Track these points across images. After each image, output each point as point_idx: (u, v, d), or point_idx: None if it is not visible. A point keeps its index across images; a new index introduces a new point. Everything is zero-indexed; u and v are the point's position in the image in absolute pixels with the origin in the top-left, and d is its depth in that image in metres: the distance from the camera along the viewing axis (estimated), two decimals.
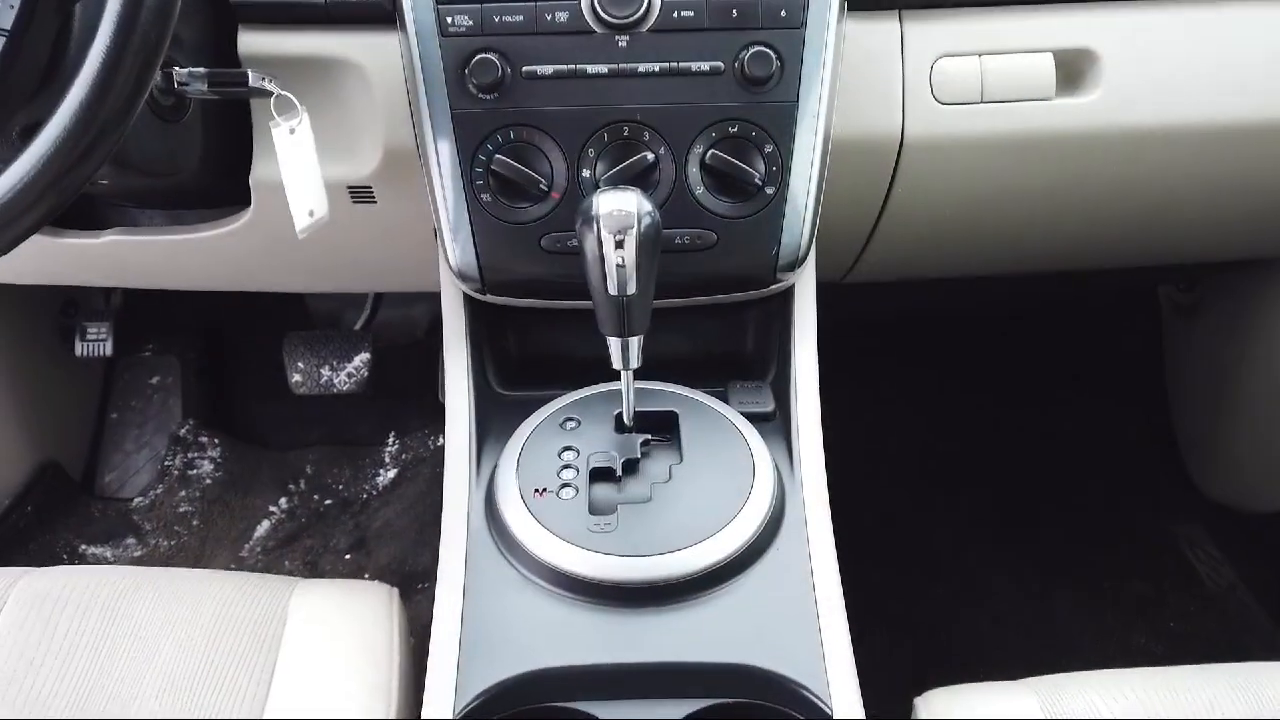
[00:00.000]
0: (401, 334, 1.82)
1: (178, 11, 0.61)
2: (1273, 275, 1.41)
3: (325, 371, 1.59)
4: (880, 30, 0.91)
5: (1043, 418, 1.77)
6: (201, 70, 0.81)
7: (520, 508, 0.78)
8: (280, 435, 1.77)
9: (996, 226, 1.09)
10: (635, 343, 0.78)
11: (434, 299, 1.01)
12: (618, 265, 0.73)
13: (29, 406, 1.53)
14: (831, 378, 0.95)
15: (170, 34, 0.61)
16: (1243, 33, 0.93)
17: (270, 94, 0.84)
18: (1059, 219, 1.08)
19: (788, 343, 0.93)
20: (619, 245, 0.72)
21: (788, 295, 0.94)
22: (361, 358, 1.62)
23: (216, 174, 0.96)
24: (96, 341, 1.49)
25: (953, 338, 1.84)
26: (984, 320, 1.82)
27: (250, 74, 0.83)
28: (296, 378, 1.59)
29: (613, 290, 0.74)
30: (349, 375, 1.61)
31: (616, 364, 0.79)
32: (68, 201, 0.61)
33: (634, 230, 0.72)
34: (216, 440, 1.69)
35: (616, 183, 0.84)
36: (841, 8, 0.85)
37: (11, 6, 0.61)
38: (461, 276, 0.89)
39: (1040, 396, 1.81)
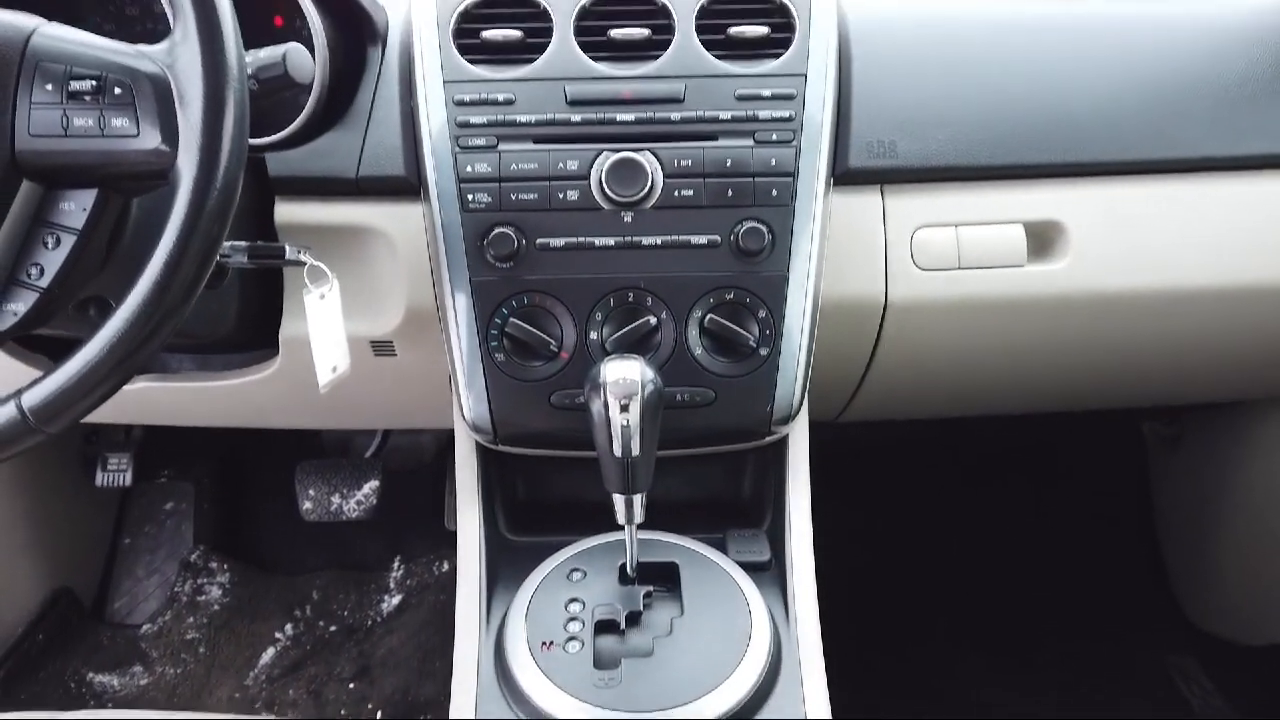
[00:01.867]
0: (410, 459, 1.87)
1: (235, 209, 0.68)
2: (1250, 412, 1.47)
3: (335, 499, 1.64)
4: (863, 203, 0.99)
5: (1035, 546, 1.81)
6: (243, 244, 0.88)
7: (529, 662, 0.82)
8: (288, 560, 1.80)
9: (978, 377, 1.16)
10: (638, 500, 0.83)
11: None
12: (622, 427, 0.79)
13: (46, 535, 1.57)
14: (826, 498, 1.00)
15: (227, 228, 0.68)
16: (1204, 205, 1.01)
17: (304, 264, 0.92)
18: (1037, 371, 1.15)
19: (783, 492, 0.99)
20: (624, 409, 0.79)
21: (782, 444, 1.00)
22: (371, 485, 1.67)
23: (249, 330, 1.02)
24: (117, 472, 1.54)
25: (946, 467, 1.89)
26: (975, 451, 1.87)
27: (287, 248, 0.90)
28: (307, 505, 1.63)
29: (618, 452, 0.80)
30: (358, 503, 1.65)
31: (621, 519, 0.84)
32: (129, 380, 0.67)
33: (638, 396, 0.78)
34: (226, 565, 1.72)
35: (622, 345, 0.91)
36: (827, 185, 0.93)
37: (84, 209, 0.68)
38: (475, 429, 0.95)
39: (1033, 526, 1.84)
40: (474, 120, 0.92)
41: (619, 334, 0.91)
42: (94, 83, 0.64)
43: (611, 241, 0.91)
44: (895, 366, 1.09)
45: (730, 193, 0.90)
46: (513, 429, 0.95)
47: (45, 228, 0.68)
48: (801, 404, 0.94)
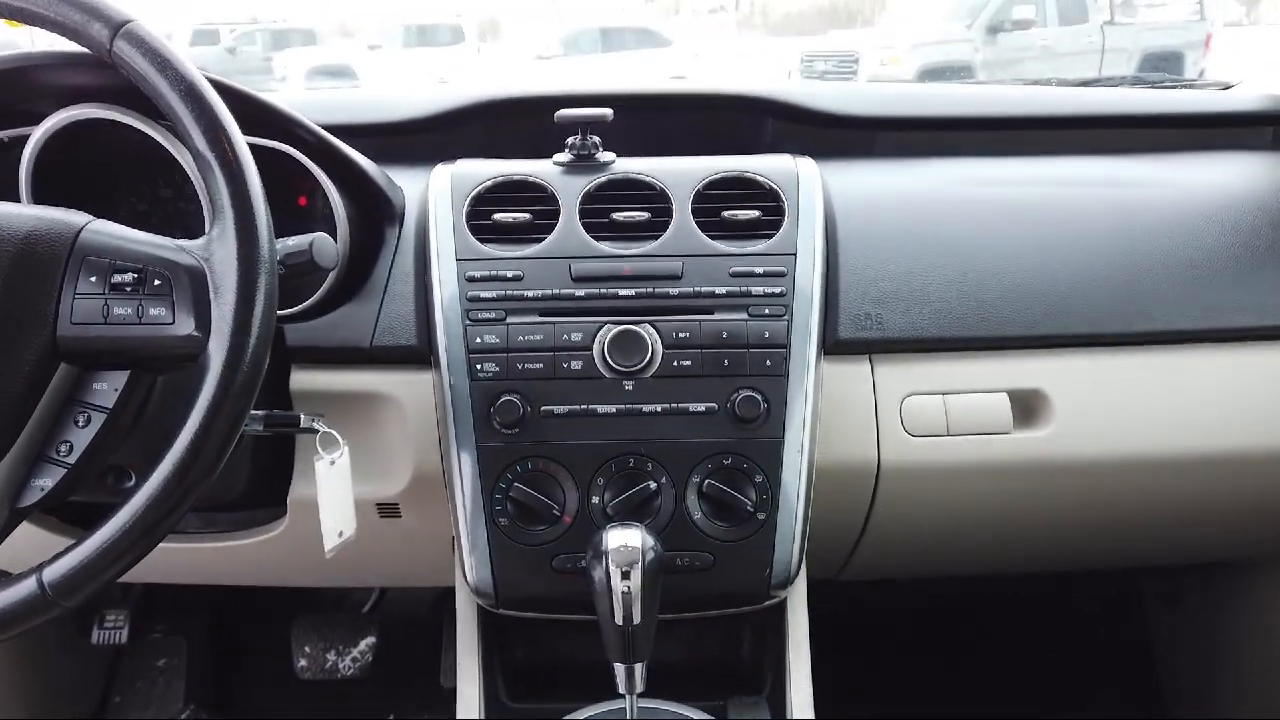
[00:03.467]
0: (405, 612, 1.85)
1: (259, 388, 0.72)
2: (1247, 570, 1.48)
3: (331, 656, 1.62)
4: (854, 372, 1.03)
5: (1040, 706, 1.77)
6: (260, 413, 0.92)
7: None
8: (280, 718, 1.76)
9: (972, 539, 1.18)
10: (639, 669, 0.84)
11: None
12: (623, 594, 0.81)
13: (36, 693, 1.54)
14: (827, 657, 1.00)
15: (251, 405, 0.71)
16: (1182, 374, 1.06)
17: (317, 432, 0.95)
18: (1030, 534, 1.17)
19: (783, 656, 0.99)
20: (625, 577, 0.81)
21: (781, 607, 1.01)
22: (367, 642, 1.65)
23: (257, 491, 1.05)
24: (114, 629, 1.53)
25: (946, 624, 1.87)
26: (975, 612, 1.86)
27: (302, 416, 0.94)
28: (303, 663, 1.61)
29: (619, 619, 0.81)
30: (354, 660, 1.63)
31: (621, 688, 0.85)
32: (149, 552, 0.69)
33: (639, 565, 0.80)
34: None
35: (623, 510, 0.93)
36: (818, 355, 0.98)
37: (115, 390, 0.72)
38: (478, 592, 0.97)
39: (1037, 685, 1.81)
40: (484, 295, 0.97)
41: (620, 499, 0.93)
42: (135, 275, 0.69)
43: (613, 409, 0.95)
44: (891, 528, 1.11)
45: (726, 363, 0.95)
46: (515, 592, 0.96)
47: (77, 406, 0.72)
48: (800, 567, 0.96)
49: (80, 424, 0.72)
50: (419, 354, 1.01)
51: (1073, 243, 1.07)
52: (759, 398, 0.94)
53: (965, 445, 1.03)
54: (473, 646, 1.01)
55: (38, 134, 0.96)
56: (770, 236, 1.00)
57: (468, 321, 0.97)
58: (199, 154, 0.70)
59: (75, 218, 0.72)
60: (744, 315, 0.96)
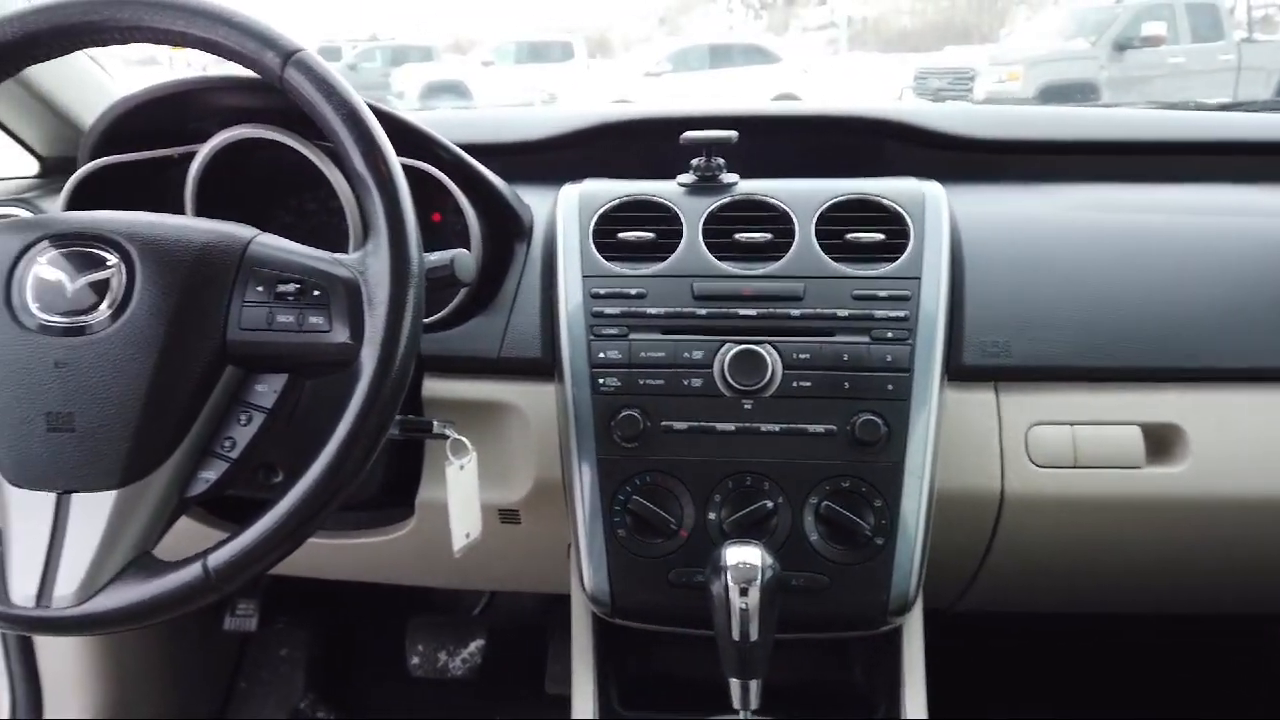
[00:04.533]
0: (514, 619, 1.90)
1: (404, 394, 0.76)
2: None
3: (442, 656, 1.68)
4: (978, 399, 1.02)
5: None
6: (397, 418, 0.97)
7: None
8: (391, 715, 1.83)
9: (1096, 575, 1.14)
10: (755, 686, 0.84)
11: None
12: (741, 610, 0.82)
13: (170, 674, 1.64)
14: (942, 687, 0.98)
15: (397, 411, 0.75)
16: None
17: (448, 438, 0.99)
18: (1158, 573, 1.12)
19: (897, 684, 0.98)
20: (743, 593, 0.82)
21: (896, 634, 1.00)
22: (477, 644, 1.70)
23: (388, 492, 1.10)
24: (245, 617, 1.62)
25: (1065, 661, 1.80)
26: (1098, 646, 1.79)
27: (435, 422, 0.98)
28: (415, 660, 1.67)
29: (735, 635, 0.82)
30: (464, 661, 1.68)
31: (736, 703, 0.86)
32: (300, 545, 0.74)
33: (757, 582, 0.81)
34: (332, 717, 1.76)
35: (739, 528, 0.94)
36: (942, 381, 0.97)
37: (275, 391, 0.77)
38: (594, 600, 0.99)
39: None
40: (608, 311, 1.00)
41: (736, 516, 0.94)
42: (297, 285, 0.74)
43: (732, 427, 0.96)
44: (1012, 560, 1.09)
45: (847, 385, 0.95)
46: (630, 602, 0.98)
47: (240, 406, 0.77)
48: (917, 595, 0.95)
49: (242, 422, 0.77)
50: (544, 366, 1.04)
51: (1210, 273, 1.03)
52: (879, 422, 0.94)
53: (1094, 478, 1.00)
54: (588, 653, 1.03)
55: (205, 150, 1.03)
56: (894, 260, 1.00)
57: (591, 336, 1.00)
58: (357, 174, 0.75)
59: (244, 231, 0.77)
60: (866, 338, 0.96)
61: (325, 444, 0.72)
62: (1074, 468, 1.00)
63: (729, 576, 0.82)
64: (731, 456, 0.96)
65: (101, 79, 1.41)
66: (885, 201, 1.03)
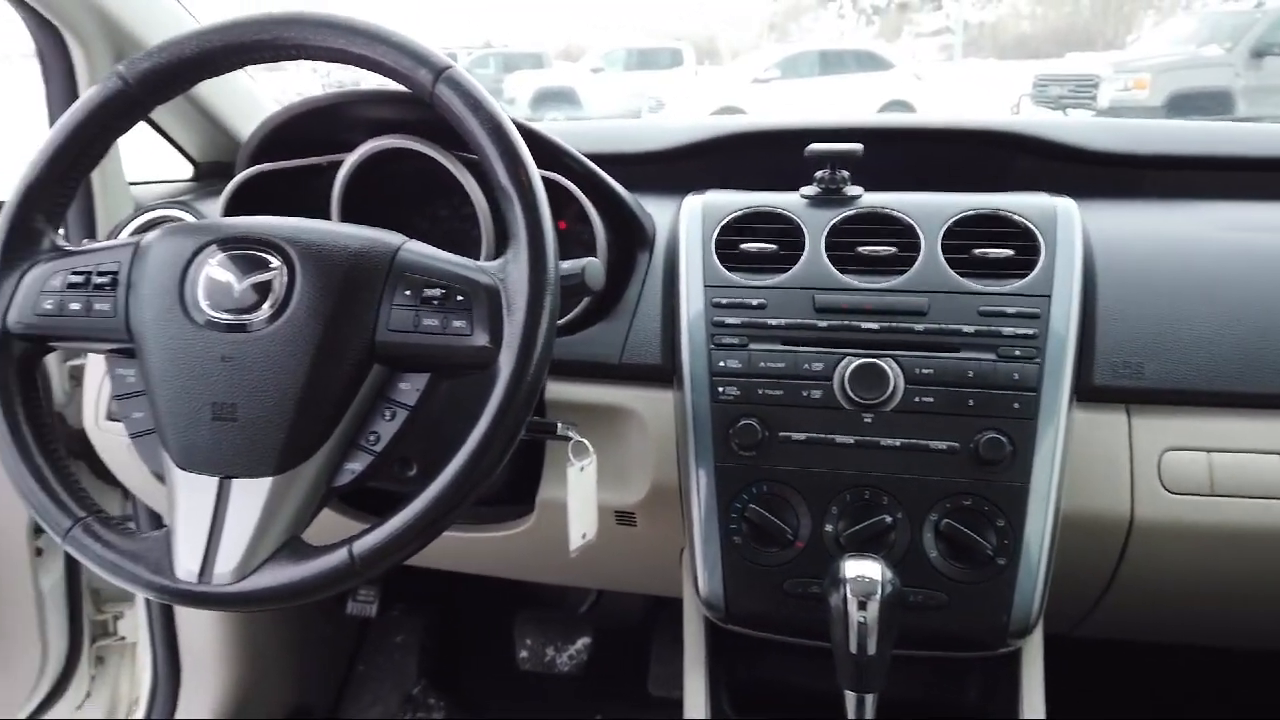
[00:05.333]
0: (619, 618, 1.93)
1: (537, 397, 0.79)
2: None
3: (550, 651, 1.72)
4: (1108, 421, 0.99)
5: None
6: None
7: None
8: (498, 705, 1.88)
9: (1230, 607, 1.09)
10: (870, 700, 0.85)
11: None
12: (860, 623, 0.82)
13: (295, 654, 1.73)
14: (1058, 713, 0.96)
15: (529, 417, 0.79)
16: None
17: (570, 439, 1.02)
18: None
19: (1015, 707, 0.96)
20: (862, 607, 0.82)
21: (1015, 656, 0.98)
22: (583, 641, 1.74)
23: (510, 491, 1.14)
24: (366, 603, 1.69)
25: (1184, 691, 1.73)
26: (1227, 688, 1.71)
27: (559, 424, 1.02)
28: (523, 654, 1.72)
29: (853, 648, 0.83)
30: (570, 658, 1.72)
31: (850, 716, 0.86)
32: (434, 539, 0.78)
33: (877, 596, 0.82)
34: (442, 704, 1.82)
35: (856, 541, 0.94)
36: (1070, 402, 0.95)
37: (417, 390, 0.82)
38: (708, 605, 1.00)
39: None
40: (728, 320, 1.02)
41: (854, 529, 0.94)
42: (442, 290, 0.78)
43: (851, 440, 0.96)
44: (1138, 586, 1.05)
45: (971, 403, 0.94)
46: (744, 609, 0.99)
47: (384, 402, 0.81)
48: (1039, 618, 0.93)
49: (387, 418, 0.81)
50: (663, 373, 1.07)
51: None
52: (1004, 440, 0.92)
53: (1231, 507, 0.96)
54: (700, 657, 1.05)
55: (352, 159, 1.09)
56: (1023, 276, 0.98)
57: (712, 345, 1.01)
58: (500, 186, 0.78)
59: (393, 238, 0.82)
60: (992, 355, 0.95)
61: (460, 442, 0.76)
62: (1210, 495, 0.96)
63: (848, 589, 0.82)
64: (850, 469, 0.96)
65: (252, 89, 1.51)
66: (1016, 217, 1.02)
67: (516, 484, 1.14)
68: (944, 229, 1.02)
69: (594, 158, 1.11)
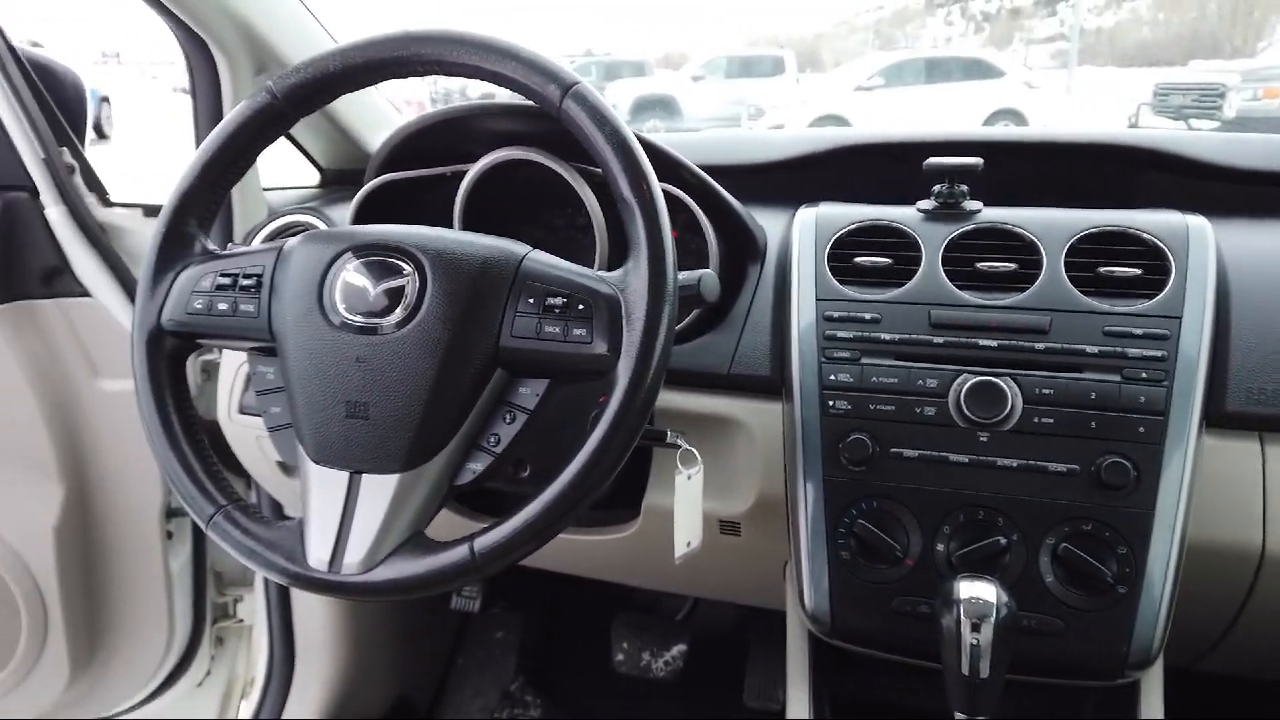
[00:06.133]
0: (714, 627, 1.93)
1: (654, 405, 0.81)
2: None
3: (646, 656, 1.73)
4: (1240, 449, 0.95)
5: None
6: None
7: None
8: (592, 707, 1.91)
9: None
10: None
11: None
12: (972, 646, 0.81)
13: (398, 645, 1.79)
14: None
15: (645, 424, 0.80)
16: None
17: (679, 448, 1.04)
18: None
19: None
20: (975, 629, 0.81)
21: (1133, 689, 0.95)
22: (679, 648, 1.74)
23: (617, 496, 1.16)
24: (469, 599, 1.74)
25: None
26: None
27: (668, 432, 1.03)
28: (620, 657, 1.74)
29: (965, 670, 0.81)
30: (665, 664, 1.73)
31: None
32: (551, 539, 0.80)
33: (991, 618, 0.80)
34: (539, 701, 1.86)
35: (969, 562, 0.93)
36: (1200, 427, 0.91)
37: (536, 394, 0.84)
38: (813, 619, 1.00)
39: None
40: (840, 334, 1.01)
41: (966, 550, 0.93)
42: (564, 299, 0.80)
43: (965, 459, 0.95)
44: (1268, 622, 1.00)
45: (1093, 425, 0.92)
46: (850, 625, 0.98)
47: (505, 406, 0.84)
48: (1160, 650, 0.90)
49: (507, 420, 0.83)
50: (772, 385, 1.07)
51: None
52: (1128, 465, 0.90)
53: None
54: (803, 670, 1.05)
55: (476, 169, 1.13)
56: (1152, 297, 0.95)
57: (823, 359, 1.01)
58: (622, 198, 0.80)
59: (518, 247, 0.84)
60: (1117, 377, 0.92)
61: (571, 445, 0.78)
62: None
63: (961, 610, 0.81)
64: (963, 488, 0.95)
65: (378, 102, 1.57)
66: (1145, 235, 0.99)
67: (622, 489, 1.16)
68: (1068, 246, 1.00)
69: (705, 168, 1.12)
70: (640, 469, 1.15)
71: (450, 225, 1.17)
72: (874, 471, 0.97)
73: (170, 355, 0.90)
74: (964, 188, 1.08)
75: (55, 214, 1.42)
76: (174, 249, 0.90)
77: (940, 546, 0.95)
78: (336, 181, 1.62)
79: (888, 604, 0.96)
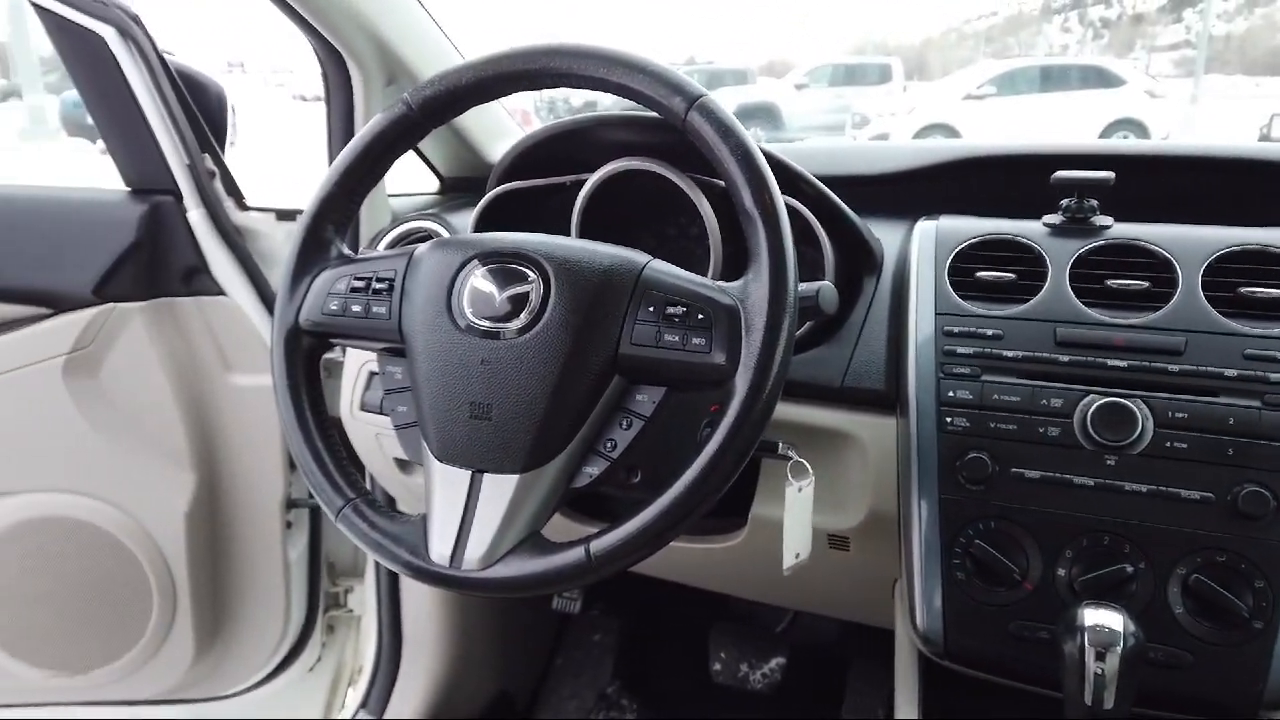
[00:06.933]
0: (814, 641, 1.91)
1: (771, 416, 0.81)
2: None
3: (744, 667, 1.73)
4: None
5: None
6: None
7: None
8: (687, 715, 1.91)
9: None
10: None
11: None
12: (1096, 675, 0.78)
13: (503, 641, 1.83)
14: None
15: (761, 435, 0.80)
16: None
17: (790, 459, 1.03)
18: None
19: None
20: (1100, 658, 0.78)
21: None
22: (778, 660, 1.73)
23: (724, 505, 1.16)
24: (570, 600, 1.77)
25: None
26: None
27: (780, 443, 1.03)
28: (717, 666, 1.74)
29: (1088, 700, 0.79)
30: (763, 675, 1.72)
31: None
32: (664, 545, 0.81)
33: (1118, 648, 0.77)
34: (635, 705, 1.87)
35: (1092, 588, 0.90)
36: None
37: (653, 401, 0.85)
38: (925, 639, 0.98)
39: None
40: (960, 350, 0.99)
41: (1090, 576, 0.90)
42: (684, 309, 0.81)
43: (1090, 482, 0.92)
44: None
45: (1230, 452, 0.88)
46: (963, 647, 0.96)
47: (622, 412, 0.85)
48: None
49: (623, 426, 0.85)
50: (885, 399, 1.05)
51: None
52: (1267, 495, 0.85)
53: None
54: (912, 691, 1.03)
55: (595, 178, 1.15)
56: None
57: (941, 374, 0.99)
58: (745, 209, 0.80)
59: (639, 256, 0.86)
60: (1257, 403, 0.88)
61: (681, 453, 0.78)
62: None
63: (1086, 638, 0.79)
64: (1088, 512, 0.92)
65: (499, 112, 1.62)
66: None
67: (728, 499, 1.16)
68: (1205, 264, 0.96)
69: (819, 179, 1.11)
70: (748, 479, 1.15)
71: (566, 233, 1.20)
72: (993, 491, 0.95)
73: (306, 353, 0.94)
74: (1094, 202, 1.05)
75: (196, 216, 1.51)
76: (312, 253, 0.94)
77: (1061, 571, 0.92)
78: (455, 189, 1.67)
79: (1004, 627, 0.94)
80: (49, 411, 1.50)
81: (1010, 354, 0.98)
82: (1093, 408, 0.92)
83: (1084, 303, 0.98)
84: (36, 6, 1.38)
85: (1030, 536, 0.93)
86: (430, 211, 1.46)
